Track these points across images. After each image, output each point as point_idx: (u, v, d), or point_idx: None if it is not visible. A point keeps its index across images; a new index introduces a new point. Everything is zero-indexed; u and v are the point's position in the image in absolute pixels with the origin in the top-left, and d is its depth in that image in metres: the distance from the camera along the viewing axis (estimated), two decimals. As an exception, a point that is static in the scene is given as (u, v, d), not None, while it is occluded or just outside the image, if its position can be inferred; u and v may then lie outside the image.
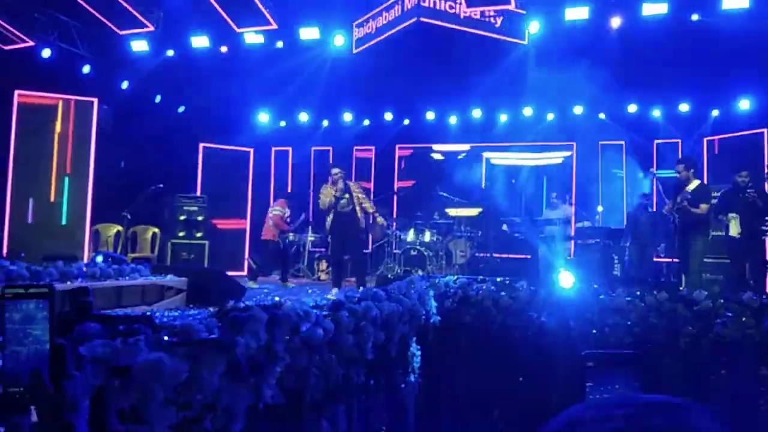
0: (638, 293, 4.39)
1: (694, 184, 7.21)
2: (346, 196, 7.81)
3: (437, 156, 13.36)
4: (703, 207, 7.01)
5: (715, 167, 10.53)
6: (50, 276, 4.85)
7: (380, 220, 8.24)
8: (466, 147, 13.03)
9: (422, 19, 9.15)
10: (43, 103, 9.35)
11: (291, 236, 9.84)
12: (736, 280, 7.45)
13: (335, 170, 7.85)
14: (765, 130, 9.73)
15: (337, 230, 7.87)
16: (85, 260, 7.80)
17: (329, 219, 7.87)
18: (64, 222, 9.20)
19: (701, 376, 3.94)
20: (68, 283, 4.84)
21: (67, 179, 9.34)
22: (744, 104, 10.68)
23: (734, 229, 7.58)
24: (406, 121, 13.26)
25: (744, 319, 3.85)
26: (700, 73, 9.83)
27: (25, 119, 9.22)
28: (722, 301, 4.06)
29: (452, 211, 11.39)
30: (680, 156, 9.85)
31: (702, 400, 3.94)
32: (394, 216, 12.25)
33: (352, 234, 7.92)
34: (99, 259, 6.11)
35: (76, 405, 0.93)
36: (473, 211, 11.90)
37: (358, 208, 7.86)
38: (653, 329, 4.09)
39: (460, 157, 13.13)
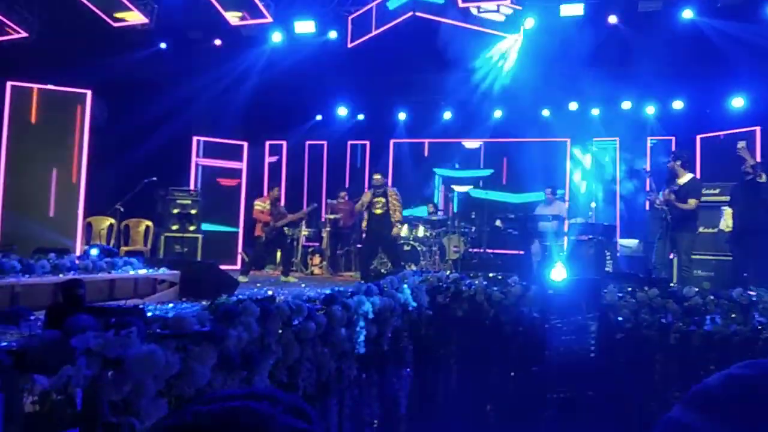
0: (630, 289, 4.42)
1: (686, 177, 6.96)
2: (382, 200, 8.62)
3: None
4: (692, 202, 6.72)
5: (707, 165, 10.57)
6: (42, 268, 4.84)
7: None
8: (460, 141, 13.04)
9: (418, 13, 9.16)
10: (37, 95, 9.29)
11: (286, 230, 9.78)
12: (733, 281, 6.25)
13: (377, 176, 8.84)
14: (758, 128, 9.77)
15: (372, 230, 8.72)
16: (78, 253, 7.76)
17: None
18: (56, 214, 9.15)
19: (690, 371, 3.97)
20: (60, 275, 4.83)
21: (59, 171, 9.29)
22: (737, 102, 10.71)
23: (724, 223, 7.04)
24: (402, 115, 13.25)
25: (733, 315, 3.89)
26: (694, 71, 9.85)
27: (18, 110, 9.16)
28: (712, 297, 4.09)
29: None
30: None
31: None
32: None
33: (387, 234, 8.71)
34: (94, 251, 6.08)
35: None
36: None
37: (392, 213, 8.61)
38: (644, 325, 4.12)
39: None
